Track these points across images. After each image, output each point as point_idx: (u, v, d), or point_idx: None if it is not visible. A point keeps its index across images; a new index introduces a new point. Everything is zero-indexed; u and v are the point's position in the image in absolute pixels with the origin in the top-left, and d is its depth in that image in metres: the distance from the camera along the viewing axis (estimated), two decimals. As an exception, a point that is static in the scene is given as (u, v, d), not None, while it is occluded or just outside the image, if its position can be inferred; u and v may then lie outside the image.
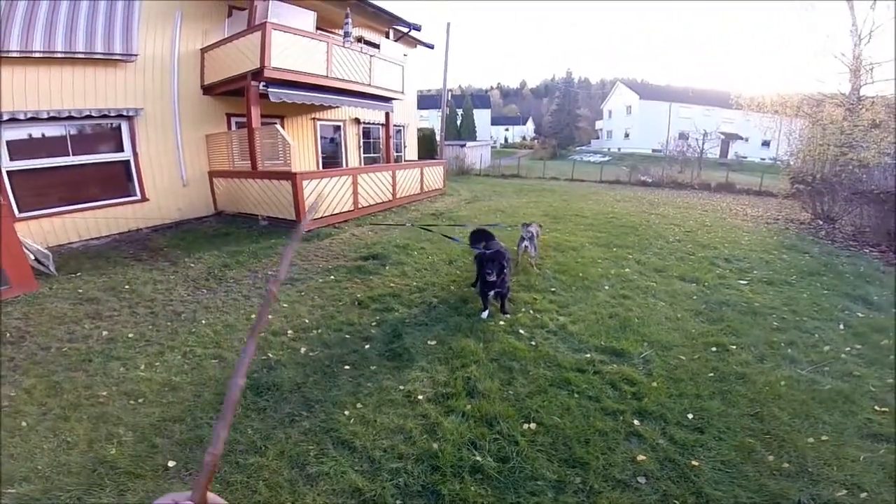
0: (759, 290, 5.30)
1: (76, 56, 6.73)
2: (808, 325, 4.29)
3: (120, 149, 7.71)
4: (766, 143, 35.43)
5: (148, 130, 7.94)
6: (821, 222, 10.25)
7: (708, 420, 2.79)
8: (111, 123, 7.57)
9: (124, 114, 7.51)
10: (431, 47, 16.20)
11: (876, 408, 2.92)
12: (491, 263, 4.07)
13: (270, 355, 3.62)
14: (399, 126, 14.86)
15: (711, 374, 3.34)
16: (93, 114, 7.07)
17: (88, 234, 7.26)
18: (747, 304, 4.81)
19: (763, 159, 32.16)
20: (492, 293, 4.33)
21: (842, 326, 4.27)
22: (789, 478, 2.33)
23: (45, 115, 6.55)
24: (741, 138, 38.43)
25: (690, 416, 2.84)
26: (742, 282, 5.57)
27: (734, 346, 3.79)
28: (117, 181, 7.79)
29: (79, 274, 5.60)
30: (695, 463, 2.43)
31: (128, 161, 7.81)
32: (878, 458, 2.45)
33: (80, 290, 5.05)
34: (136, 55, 7.46)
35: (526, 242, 5.66)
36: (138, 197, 7.98)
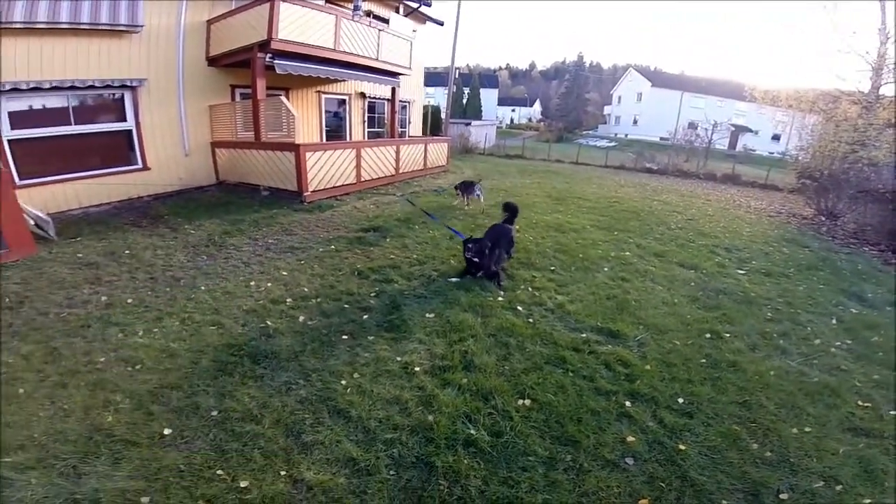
0: (756, 280, 5.32)
1: (80, 27, 6.60)
2: (802, 317, 4.32)
3: (123, 118, 7.66)
4: (776, 138, 35.03)
5: (151, 101, 7.88)
6: (823, 218, 10.21)
7: (697, 405, 2.83)
8: (114, 94, 7.50)
9: (128, 84, 7.44)
10: (441, 24, 15.88)
11: (859, 402, 2.95)
12: (472, 244, 4.39)
13: (269, 323, 3.64)
14: (405, 102, 14.66)
15: (704, 361, 3.38)
16: (96, 84, 7.00)
17: (89, 202, 7.25)
18: (744, 293, 4.83)
19: (772, 153, 31.82)
20: (479, 274, 4.54)
21: (834, 321, 4.29)
22: (771, 466, 2.37)
23: (48, 86, 6.49)
24: (751, 131, 37.98)
25: (681, 400, 2.88)
26: (740, 271, 5.58)
27: (728, 334, 3.82)
28: (119, 150, 7.76)
29: (78, 239, 5.60)
30: (682, 447, 2.47)
31: (130, 131, 7.77)
32: (857, 452, 2.49)
33: (80, 255, 5.06)
34: (141, 26, 7.32)
35: (478, 192, 8.27)
36: (140, 166, 7.94)
